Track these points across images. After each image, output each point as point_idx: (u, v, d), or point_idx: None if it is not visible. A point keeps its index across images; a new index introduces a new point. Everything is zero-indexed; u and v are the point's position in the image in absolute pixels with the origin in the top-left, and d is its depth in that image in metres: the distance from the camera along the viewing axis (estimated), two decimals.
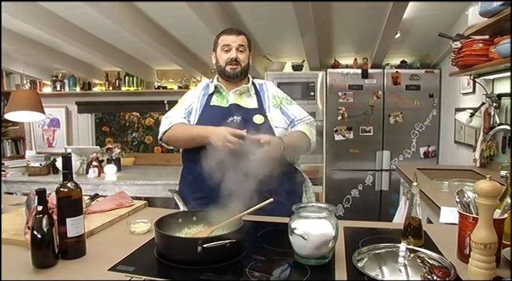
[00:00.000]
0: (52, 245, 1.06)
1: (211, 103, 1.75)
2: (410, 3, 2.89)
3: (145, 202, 1.68)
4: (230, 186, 1.31)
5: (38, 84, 5.28)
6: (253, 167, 1.35)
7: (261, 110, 1.72)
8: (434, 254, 1.07)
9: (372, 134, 4.15)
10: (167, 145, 1.78)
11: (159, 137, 1.77)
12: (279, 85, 4.06)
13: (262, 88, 1.82)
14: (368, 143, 4.16)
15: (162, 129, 1.72)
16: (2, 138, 5.13)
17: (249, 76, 1.83)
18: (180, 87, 4.90)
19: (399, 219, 2.47)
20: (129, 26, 3.26)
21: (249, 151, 1.43)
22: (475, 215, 1.03)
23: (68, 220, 1.10)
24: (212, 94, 1.77)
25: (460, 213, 1.09)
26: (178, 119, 1.71)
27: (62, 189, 1.12)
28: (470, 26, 2.45)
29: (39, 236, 1.03)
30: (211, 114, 1.70)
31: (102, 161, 3.59)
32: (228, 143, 1.46)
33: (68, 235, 1.10)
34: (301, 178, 1.81)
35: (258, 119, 1.67)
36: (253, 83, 1.81)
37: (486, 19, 2.23)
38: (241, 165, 1.37)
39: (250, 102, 1.74)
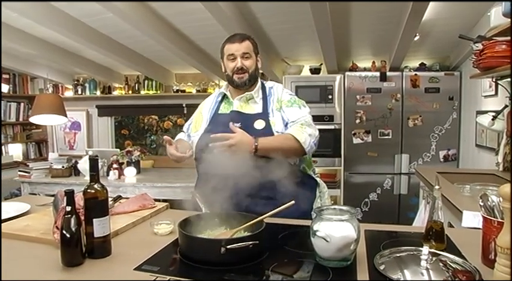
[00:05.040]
0: (80, 244, 1.09)
1: (219, 111, 1.79)
2: (431, 5, 2.85)
3: (167, 203, 1.72)
4: (226, 189, 1.35)
5: (60, 88, 5.41)
6: (237, 167, 1.39)
7: (264, 115, 1.70)
8: (457, 258, 1.06)
9: (390, 137, 4.11)
10: None
11: None
12: (297, 88, 4.15)
13: (270, 92, 1.78)
14: (386, 147, 4.12)
15: None
16: (26, 141, 5.28)
17: (259, 80, 1.80)
18: (198, 91, 4.95)
19: (419, 223, 2.44)
20: (148, 30, 3.32)
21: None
22: (500, 220, 1.02)
23: (94, 220, 1.13)
24: (221, 102, 1.81)
25: (484, 217, 1.07)
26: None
27: (89, 190, 1.15)
28: (493, 27, 2.40)
29: (68, 235, 1.07)
30: (216, 123, 1.72)
31: (122, 163, 3.66)
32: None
33: (95, 235, 1.13)
34: (311, 183, 1.76)
35: (259, 124, 1.66)
36: (263, 87, 1.79)
37: (510, 20, 2.19)
38: (234, 168, 1.40)
39: (255, 108, 1.73)
